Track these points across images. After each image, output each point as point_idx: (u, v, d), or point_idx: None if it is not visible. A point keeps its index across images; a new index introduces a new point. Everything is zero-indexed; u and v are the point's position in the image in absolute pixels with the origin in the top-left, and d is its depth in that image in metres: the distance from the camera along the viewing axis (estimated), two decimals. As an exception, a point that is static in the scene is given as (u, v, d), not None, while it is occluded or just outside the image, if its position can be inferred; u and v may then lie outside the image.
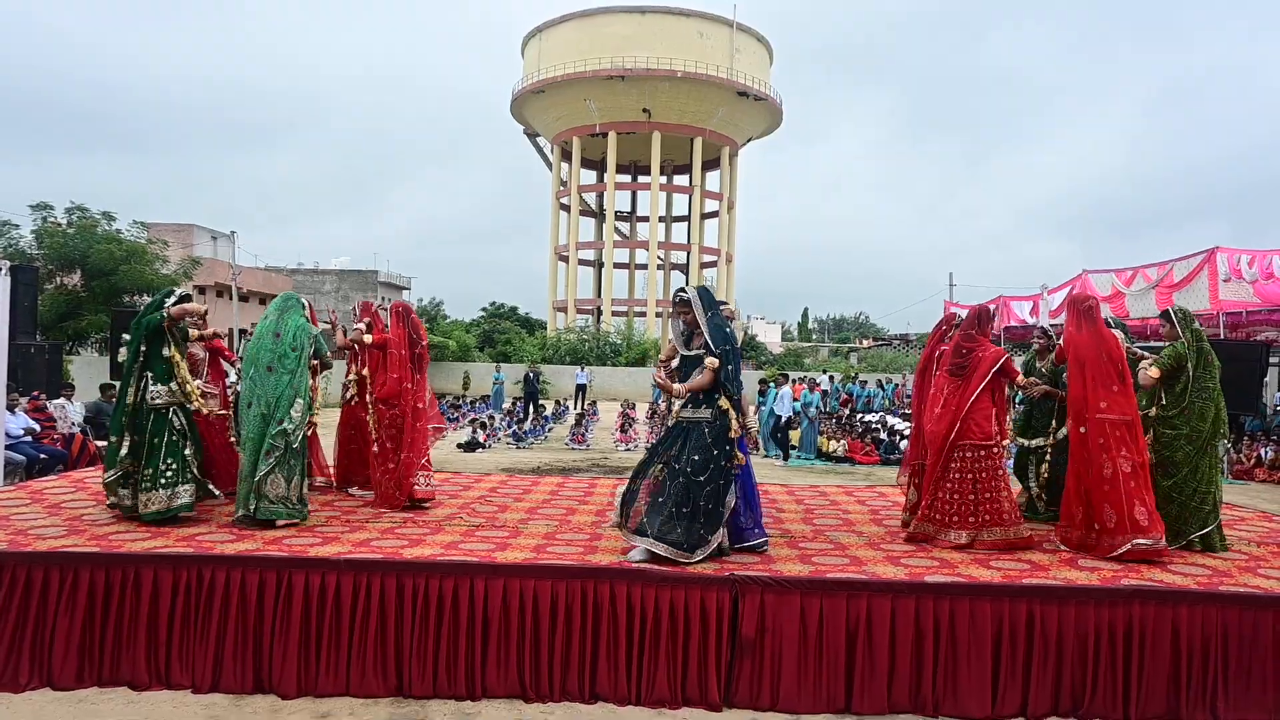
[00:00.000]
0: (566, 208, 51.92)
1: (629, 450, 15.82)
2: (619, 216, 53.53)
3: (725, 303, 5.12)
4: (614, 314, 49.13)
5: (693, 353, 4.75)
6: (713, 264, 52.01)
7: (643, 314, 49.02)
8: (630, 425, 18.12)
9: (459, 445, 15.00)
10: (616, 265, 53.02)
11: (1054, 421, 5.85)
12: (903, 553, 4.90)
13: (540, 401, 23.63)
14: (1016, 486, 5.88)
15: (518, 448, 16.15)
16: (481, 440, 15.53)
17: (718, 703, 4.08)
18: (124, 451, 5.10)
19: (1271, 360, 15.38)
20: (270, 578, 4.26)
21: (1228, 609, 4.14)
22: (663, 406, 5.33)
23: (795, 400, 17.14)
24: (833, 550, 4.93)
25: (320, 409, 6.01)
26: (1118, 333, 5.27)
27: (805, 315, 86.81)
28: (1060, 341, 5.36)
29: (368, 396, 6.20)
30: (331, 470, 6.81)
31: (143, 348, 5.17)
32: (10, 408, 9.50)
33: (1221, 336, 13.70)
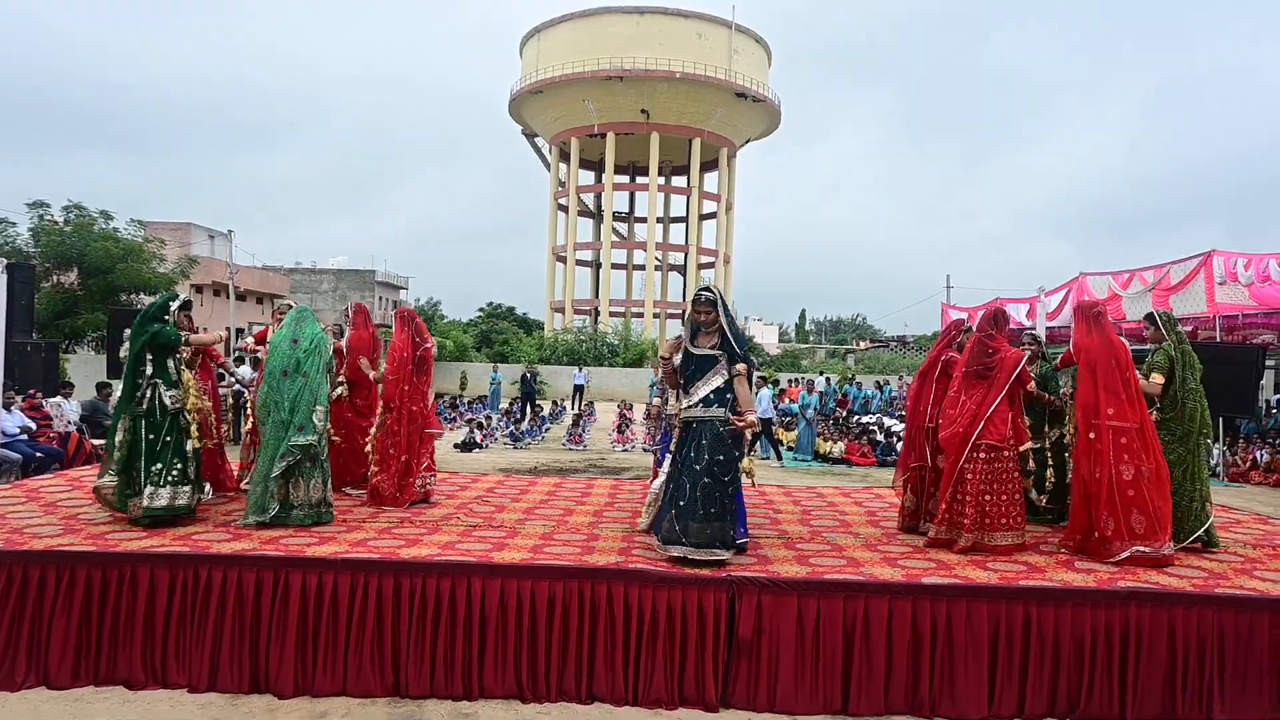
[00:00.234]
0: (564, 208, 51.93)
1: (626, 451, 15.82)
2: (617, 217, 53.56)
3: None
4: (611, 315, 49.15)
5: (702, 351, 4.71)
6: (710, 265, 52.03)
7: (640, 315, 49.03)
8: (627, 426, 18.12)
9: (456, 445, 14.99)
10: (614, 266, 53.05)
11: (1045, 425, 5.88)
12: (900, 554, 4.91)
13: (538, 402, 23.63)
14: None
15: (515, 448, 16.14)
16: (479, 440, 15.52)
17: (715, 703, 4.08)
18: (123, 453, 5.08)
19: (1267, 363, 15.43)
20: (267, 577, 4.26)
21: (1223, 611, 4.14)
22: (656, 404, 5.32)
23: (792, 402, 17.18)
24: (830, 551, 4.93)
25: None
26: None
27: (803, 317, 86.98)
28: (1068, 346, 5.37)
29: (377, 398, 6.26)
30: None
31: (149, 355, 5.14)
32: (6, 406, 9.50)
33: (1217, 339, 13.74)
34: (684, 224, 53.36)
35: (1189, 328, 14.47)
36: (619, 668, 4.15)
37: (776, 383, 20.19)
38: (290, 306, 6.53)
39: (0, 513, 5.25)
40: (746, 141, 52.86)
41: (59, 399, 11.32)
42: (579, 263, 53.24)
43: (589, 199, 53.81)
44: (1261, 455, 13.78)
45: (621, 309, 50.55)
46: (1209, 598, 4.19)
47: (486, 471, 9.39)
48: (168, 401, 5.10)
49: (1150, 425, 4.93)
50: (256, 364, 7.63)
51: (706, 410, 4.61)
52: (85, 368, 18.68)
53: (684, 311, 5.08)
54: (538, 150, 55.39)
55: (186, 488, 5.12)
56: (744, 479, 4.64)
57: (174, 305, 5.30)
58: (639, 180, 52.65)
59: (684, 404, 4.72)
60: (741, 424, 4.55)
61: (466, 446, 15.01)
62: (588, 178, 53.38)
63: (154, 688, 4.15)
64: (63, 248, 21.30)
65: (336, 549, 4.53)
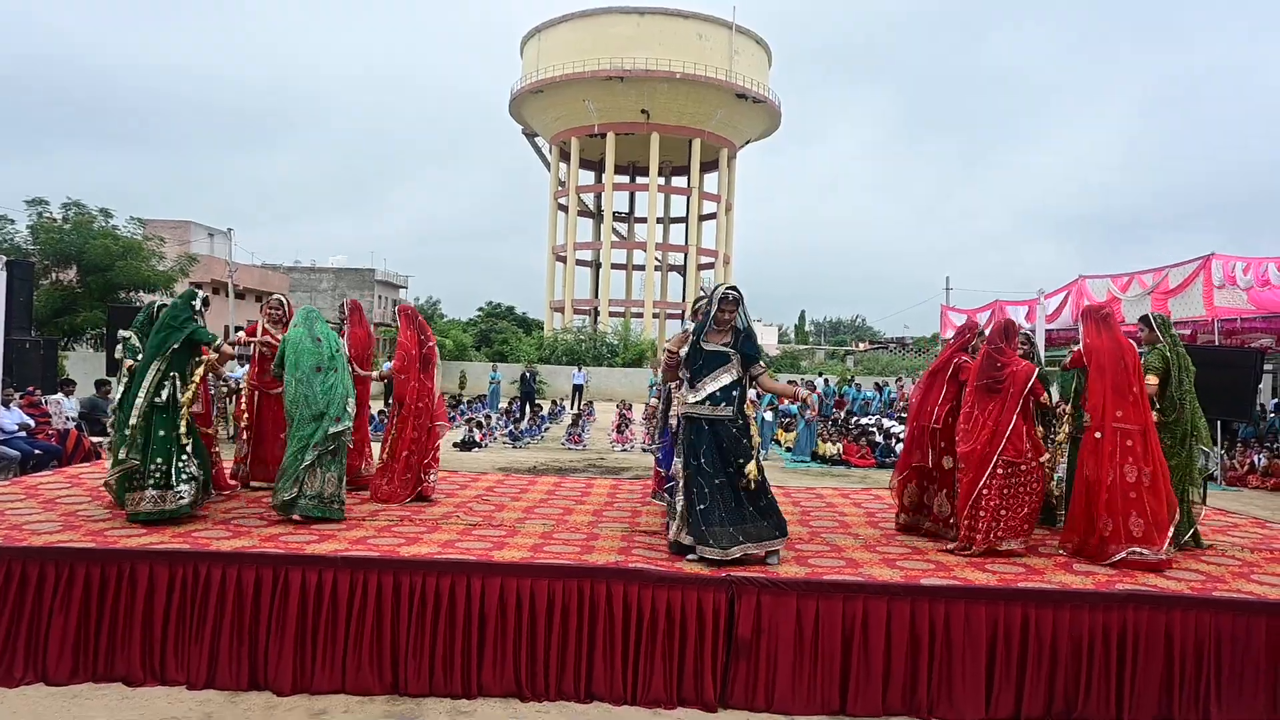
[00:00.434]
0: (564, 208, 51.94)
1: (625, 451, 15.83)
2: (617, 217, 53.58)
3: (735, 287, 5.13)
4: (611, 314, 49.18)
5: (713, 347, 4.72)
6: (710, 265, 52.06)
7: (640, 315, 49.04)
8: (626, 426, 18.13)
9: (455, 444, 14.99)
10: (614, 266, 53.07)
11: (1039, 428, 5.88)
12: (899, 555, 4.92)
13: (537, 401, 23.64)
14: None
15: (514, 447, 16.15)
16: (478, 439, 15.53)
17: (713, 703, 4.09)
18: (134, 450, 5.08)
19: (1265, 367, 15.45)
20: (266, 574, 4.26)
21: (1221, 614, 4.15)
22: (654, 404, 5.36)
23: (791, 403, 17.19)
24: (829, 552, 4.94)
25: None
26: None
27: (802, 318, 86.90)
28: (1077, 348, 5.37)
29: (369, 395, 6.31)
30: None
31: (175, 347, 5.19)
32: (5, 403, 9.50)
33: (1216, 343, 13.75)
34: (684, 224, 53.39)
35: (1187, 331, 14.51)
36: (618, 667, 4.15)
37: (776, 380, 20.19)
38: (280, 301, 6.59)
39: (-1, 509, 5.25)
40: (746, 142, 52.89)
41: (60, 396, 11.33)
42: (579, 262, 53.26)
43: (589, 199, 53.82)
44: (1259, 459, 13.80)
45: (621, 309, 50.57)
46: (1207, 601, 4.20)
47: (486, 470, 9.40)
48: (180, 399, 5.15)
49: (1153, 429, 4.95)
50: (246, 360, 7.66)
51: (714, 409, 4.62)
52: (84, 365, 18.67)
53: (683, 312, 5.11)
54: (538, 150, 55.40)
55: (188, 486, 5.12)
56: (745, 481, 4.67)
57: (197, 303, 5.37)
58: (639, 180, 52.67)
59: (690, 399, 4.72)
60: (803, 397, 5.27)
61: (466, 445, 15.02)
62: (588, 177, 53.40)
63: (152, 685, 4.15)
64: (62, 245, 21.29)
65: (336, 547, 4.53)
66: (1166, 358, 5.26)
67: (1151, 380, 5.21)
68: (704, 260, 51.82)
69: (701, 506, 4.53)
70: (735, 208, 53.36)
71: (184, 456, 5.09)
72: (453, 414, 20.41)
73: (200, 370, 5.41)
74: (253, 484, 6.29)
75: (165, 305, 5.72)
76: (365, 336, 6.69)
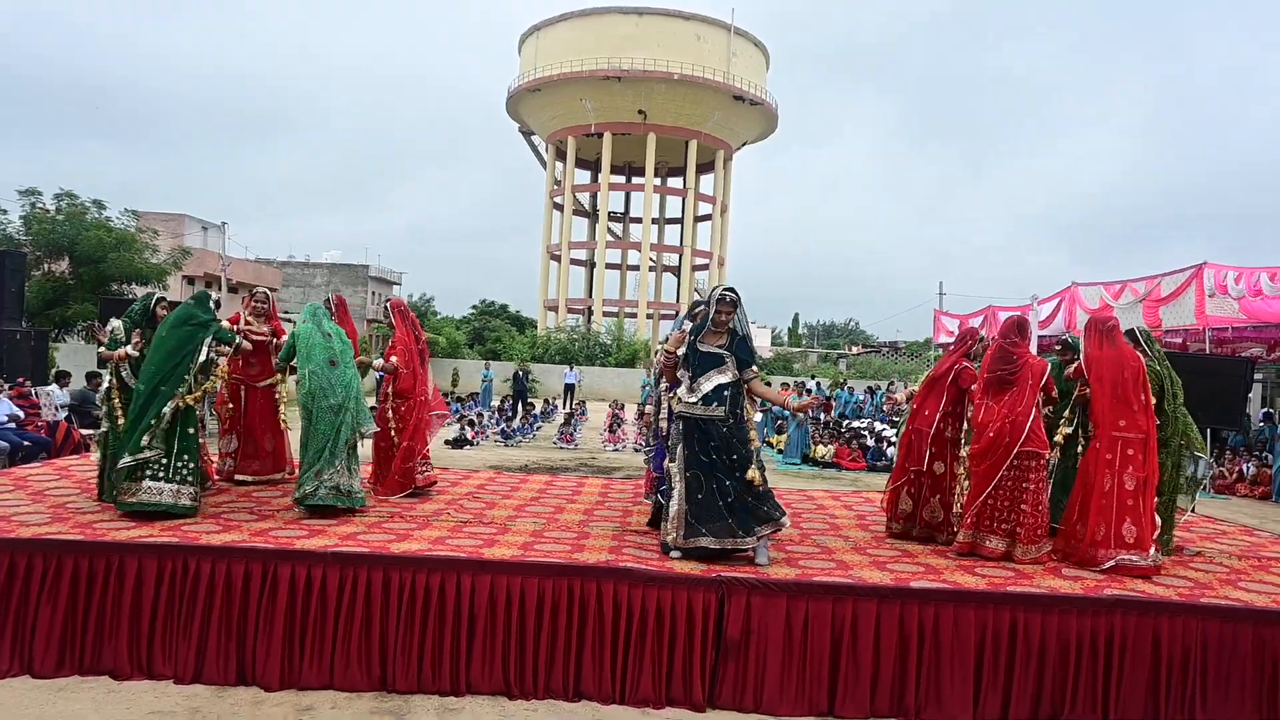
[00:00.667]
0: (560, 207, 51.89)
1: (617, 450, 15.82)
2: (612, 217, 53.55)
3: (732, 289, 5.14)
4: (605, 314, 49.10)
5: (708, 349, 4.75)
6: (705, 267, 52.07)
7: (634, 315, 49.00)
8: (619, 425, 18.12)
9: (447, 442, 14.96)
10: (608, 266, 53.02)
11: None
12: (889, 558, 4.93)
13: (529, 400, 23.61)
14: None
15: (506, 445, 16.13)
16: (470, 437, 15.51)
17: (701, 703, 4.09)
18: (158, 440, 5.07)
19: (1255, 376, 15.53)
20: (255, 569, 4.24)
21: (1208, 621, 4.18)
22: (648, 411, 5.33)
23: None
24: (819, 554, 4.95)
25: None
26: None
27: (796, 320, 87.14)
28: (1079, 360, 5.40)
29: (389, 389, 6.38)
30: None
31: (206, 343, 5.29)
32: (-5, 393, 9.44)
33: (1207, 351, 13.82)
34: (679, 225, 53.38)
35: (1179, 339, 14.59)
36: (607, 666, 4.15)
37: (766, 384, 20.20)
38: (266, 295, 6.64)
39: (-13, 500, 5.22)
40: (743, 144, 52.91)
41: (54, 387, 11.28)
42: (573, 262, 53.20)
43: (585, 198, 53.76)
44: (1248, 468, 13.88)
45: (615, 309, 50.53)
46: (1194, 607, 4.23)
47: (477, 468, 9.39)
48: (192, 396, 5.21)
49: (1154, 438, 5.01)
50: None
51: (707, 409, 4.65)
52: (75, 357, 18.56)
53: (676, 313, 5.13)
54: (534, 148, 55.33)
55: (198, 485, 5.20)
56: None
57: (212, 304, 5.47)
58: (635, 180, 52.63)
59: (684, 399, 4.74)
60: (798, 406, 5.40)
61: (458, 443, 15.00)
62: (584, 177, 53.36)
63: (139, 678, 4.13)
64: (54, 236, 21.14)
65: (326, 542, 4.52)
66: (1159, 373, 5.31)
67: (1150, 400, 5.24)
68: (699, 261, 51.82)
69: (689, 505, 4.56)
70: (731, 209, 53.39)
71: (194, 452, 5.15)
72: (449, 412, 20.37)
73: (223, 366, 5.62)
74: (237, 478, 6.27)
75: (163, 298, 5.71)
76: (351, 332, 6.71)
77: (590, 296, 52.58)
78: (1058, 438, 5.49)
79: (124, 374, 5.48)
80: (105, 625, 4.20)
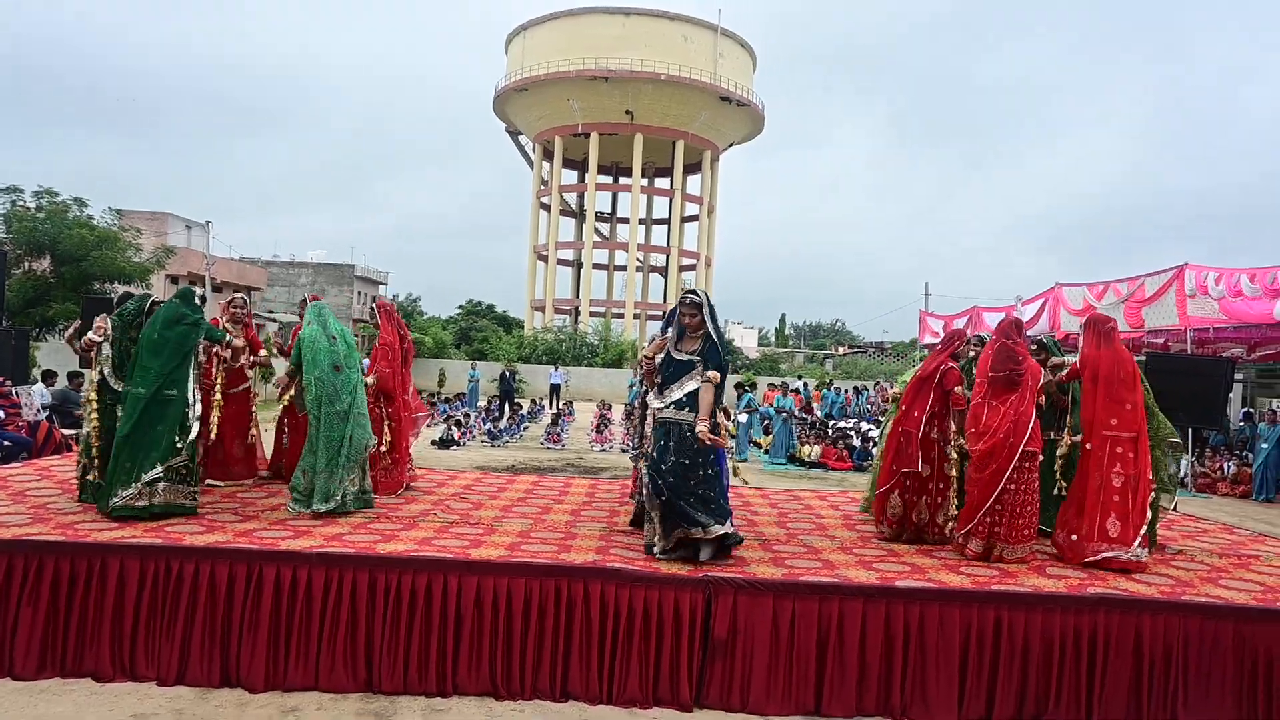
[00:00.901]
0: (547, 207, 51.83)
1: (604, 451, 15.82)
2: (599, 217, 53.54)
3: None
4: (592, 314, 49.12)
5: (683, 356, 4.76)
6: (692, 267, 52.14)
7: (621, 315, 49.00)
8: (606, 426, 18.11)
9: (433, 442, 14.91)
10: (596, 266, 53.03)
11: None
12: (875, 557, 4.95)
13: (516, 400, 23.56)
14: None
15: (492, 446, 16.09)
16: (456, 438, 15.46)
17: (688, 703, 4.10)
18: (189, 444, 5.10)
19: (1235, 376, 15.69)
20: (240, 570, 4.22)
21: (1189, 618, 4.22)
22: (637, 406, 5.34)
23: (768, 406, 17.29)
24: (805, 554, 4.96)
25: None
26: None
27: (782, 321, 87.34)
28: (1074, 360, 5.45)
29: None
30: (268, 462, 6.86)
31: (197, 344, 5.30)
32: (-26, 393, 9.33)
33: (1188, 352, 13.96)
34: (666, 226, 53.43)
35: (1161, 340, 14.73)
36: (594, 666, 4.15)
37: (754, 385, 20.26)
38: (244, 300, 6.64)
39: (-33, 501, 5.16)
40: (730, 145, 53.03)
41: (40, 386, 11.17)
42: (560, 262, 53.16)
43: (572, 198, 53.73)
44: (1229, 467, 14.03)
45: (602, 309, 50.52)
46: (1175, 605, 4.27)
47: (464, 469, 9.36)
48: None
49: (1145, 437, 5.08)
50: None
51: (678, 413, 4.67)
52: (56, 356, 18.36)
53: (664, 313, 5.13)
54: (521, 148, 55.24)
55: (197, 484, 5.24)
56: (732, 480, 4.68)
57: (198, 300, 5.44)
58: (622, 181, 52.66)
59: (655, 404, 4.79)
60: (701, 431, 4.52)
61: (444, 443, 14.94)
62: (571, 177, 53.31)
63: (122, 680, 4.10)
64: (35, 234, 20.92)
65: (311, 543, 4.49)
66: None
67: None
68: (686, 262, 51.89)
69: (660, 504, 4.58)
70: (718, 210, 53.51)
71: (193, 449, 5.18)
72: (429, 411, 20.30)
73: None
74: (208, 482, 6.21)
75: (158, 301, 5.64)
76: (396, 333, 6.76)
77: (577, 297, 52.55)
78: (1061, 449, 5.50)
79: (106, 373, 5.41)
80: (87, 627, 4.16)
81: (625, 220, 52.85)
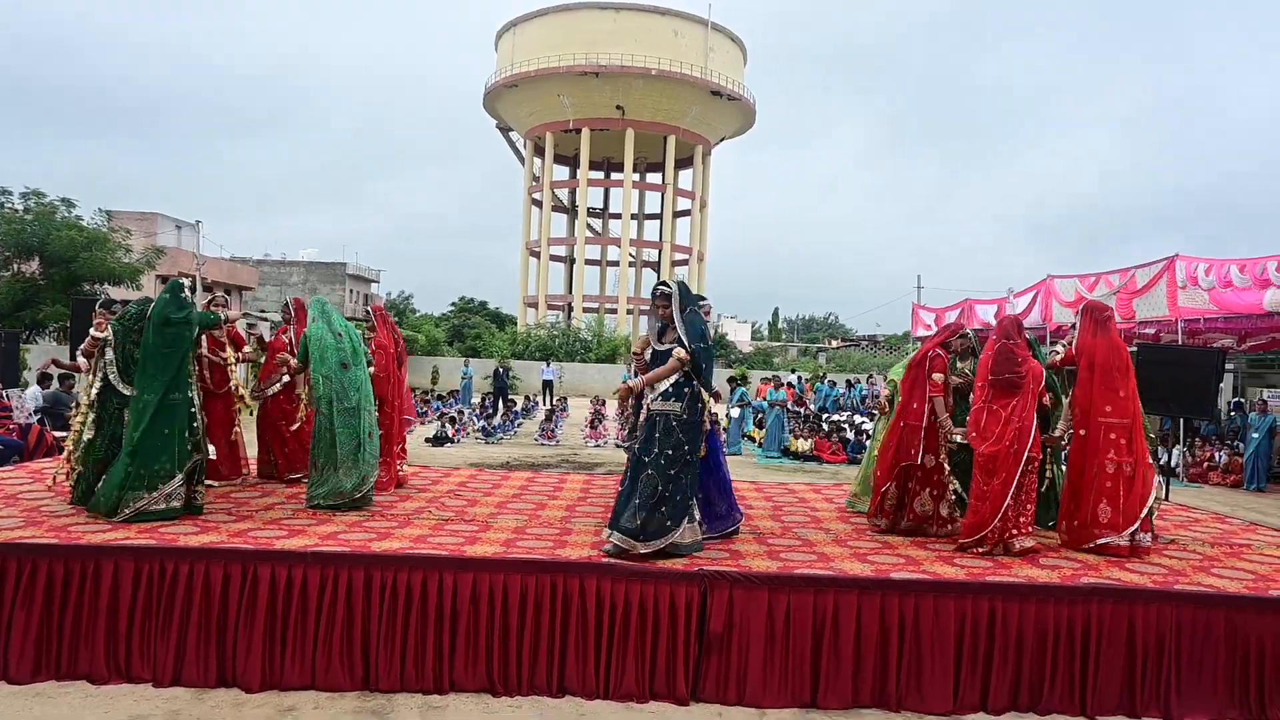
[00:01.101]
0: (539, 203, 51.71)
1: (598, 446, 15.82)
2: (591, 213, 53.43)
3: (704, 298, 5.15)
4: (585, 310, 49.03)
5: (664, 347, 4.82)
6: (684, 262, 52.12)
7: (614, 310, 48.98)
8: (600, 421, 18.11)
9: (427, 439, 14.90)
10: (588, 261, 52.92)
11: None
12: (869, 549, 4.97)
13: (510, 397, 23.55)
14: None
15: (487, 443, 16.08)
16: (450, 435, 15.44)
17: (685, 697, 4.11)
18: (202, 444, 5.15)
19: (1226, 366, 15.77)
20: (235, 570, 4.21)
21: (1182, 607, 4.25)
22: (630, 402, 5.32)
23: (760, 399, 17.32)
24: (800, 547, 4.98)
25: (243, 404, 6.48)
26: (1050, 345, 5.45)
27: (775, 315, 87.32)
28: (1068, 345, 5.46)
29: None
30: (254, 461, 6.86)
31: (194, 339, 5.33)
32: (-36, 396, 9.28)
33: (1179, 342, 14.01)
34: (658, 220, 53.35)
35: (1152, 330, 14.78)
36: (590, 661, 4.16)
37: (745, 378, 20.30)
38: (226, 299, 6.63)
39: (-42, 504, 5.13)
40: (721, 140, 52.98)
41: (35, 389, 11.11)
42: (553, 258, 53.04)
43: (564, 194, 53.61)
44: (1220, 456, 14.11)
45: (595, 305, 50.47)
46: (1168, 594, 4.29)
47: (458, 466, 9.35)
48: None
49: (1140, 425, 5.12)
50: None
51: (664, 404, 4.71)
52: (45, 359, 18.28)
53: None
54: (512, 144, 55.08)
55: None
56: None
57: (186, 292, 5.39)
58: (614, 176, 52.56)
59: (648, 398, 4.80)
60: (621, 385, 4.83)
61: (438, 441, 14.93)
62: (562, 173, 53.19)
63: (118, 682, 4.09)
64: (24, 236, 20.81)
65: (306, 542, 4.49)
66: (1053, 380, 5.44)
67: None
68: (678, 257, 51.85)
69: (651, 499, 4.54)
70: (710, 205, 53.46)
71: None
72: (423, 409, 20.27)
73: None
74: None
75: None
76: (391, 336, 6.79)
77: (570, 292, 52.46)
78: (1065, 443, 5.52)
79: (112, 378, 5.37)
80: (82, 629, 4.15)
81: (617, 215, 52.78)
